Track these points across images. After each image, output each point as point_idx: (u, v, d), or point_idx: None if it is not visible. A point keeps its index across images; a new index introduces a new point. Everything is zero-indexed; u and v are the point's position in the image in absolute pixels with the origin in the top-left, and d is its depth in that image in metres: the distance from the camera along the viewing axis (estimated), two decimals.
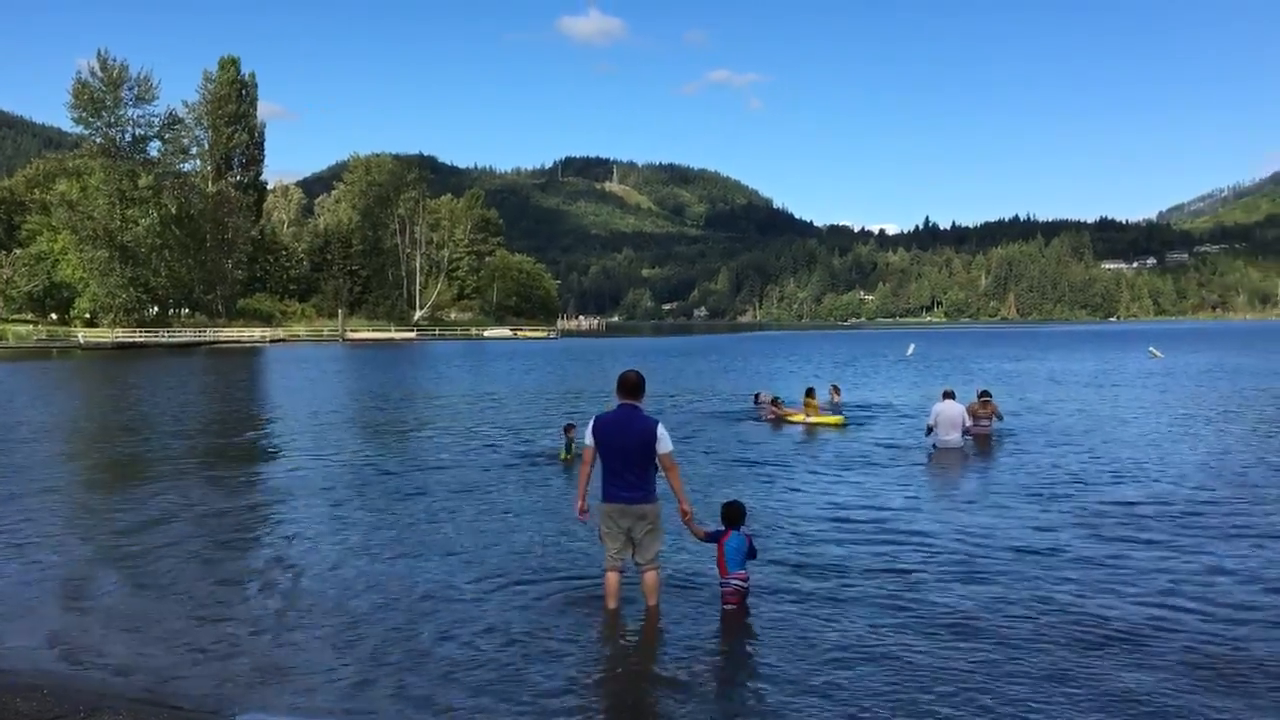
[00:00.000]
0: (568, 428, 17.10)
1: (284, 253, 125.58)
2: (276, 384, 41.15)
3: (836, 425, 21.36)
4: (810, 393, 22.92)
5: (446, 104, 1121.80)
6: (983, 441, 18.79)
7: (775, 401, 23.02)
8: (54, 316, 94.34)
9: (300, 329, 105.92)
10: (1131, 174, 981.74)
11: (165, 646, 7.55)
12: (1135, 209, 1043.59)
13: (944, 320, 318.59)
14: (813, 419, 21.70)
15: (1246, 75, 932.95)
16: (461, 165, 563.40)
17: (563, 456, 16.65)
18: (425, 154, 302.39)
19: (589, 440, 7.87)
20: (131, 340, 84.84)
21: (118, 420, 25.52)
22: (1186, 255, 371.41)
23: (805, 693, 6.46)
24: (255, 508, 13.22)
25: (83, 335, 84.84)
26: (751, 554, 8.19)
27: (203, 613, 8.40)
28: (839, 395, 24.60)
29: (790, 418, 22.06)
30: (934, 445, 17.79)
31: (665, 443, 7.74)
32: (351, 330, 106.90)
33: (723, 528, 8.18)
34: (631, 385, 7.92)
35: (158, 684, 6.79)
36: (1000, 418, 20.14)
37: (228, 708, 6.39)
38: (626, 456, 7.71)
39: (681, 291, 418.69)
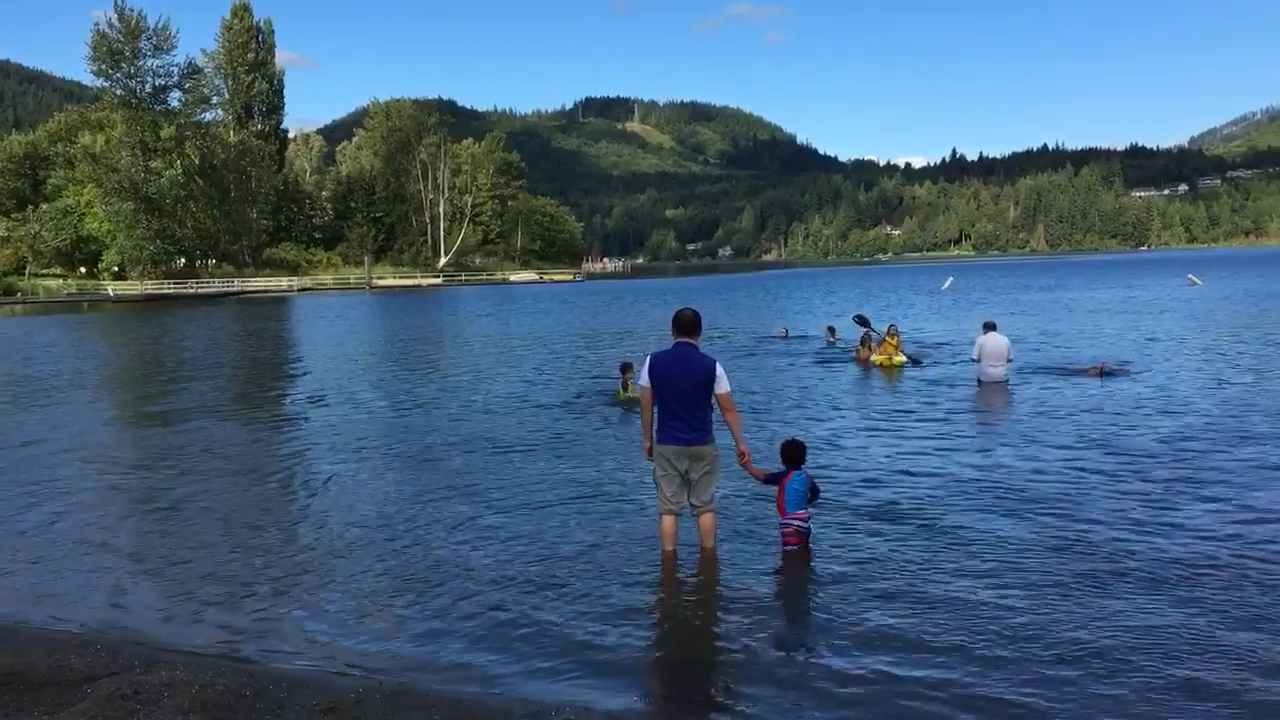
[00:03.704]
0: (624, 367, 16.71)
1: (308, 201, 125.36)
2: (310, 331, 41.18)
3: (901, 364, 20.31)
4: (891, 330, 21.37)
5: (464, 46, 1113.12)
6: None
7: (864, 342, 21.53)
8: (83, 270, 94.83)
9: (327, 277, 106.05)
10: (1162, 98, 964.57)
11: (207, 596, 7.42)
12: (1166, 135, 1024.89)
13: (972, 253, 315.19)
14: (881, 359, 20.45)
15: None
16: (481, 109, 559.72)
17: (620, 396, 16.26)
18: (444, 98, 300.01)
19: (645, 380, 7.59)
20: (161, 292, 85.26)
21: (153, 369, 25.55)
22: (1219, 181, 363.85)
23: (865, 634, 6.25)
24: (292, 453, 13.10)
25: (113, 288, 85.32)
26: (814, 494, 7.92)
27: (240, 559, 8.28)
28: (896, 339, 21.44)
29: (876, 359, 20.52)
30: (978, 380, 17.48)
31: (724, 382, 7.46)
32: (377, 278, 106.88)
33: (784, 468, 7.92)
34: (688, 323, 7.62)
35: (205, 634, 6.66)
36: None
37: (279, 656, 6.26)
38: (684, 396, 7.43)
39: (706, 231, 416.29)
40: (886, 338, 21.10)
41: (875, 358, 20.63)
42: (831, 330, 26.68)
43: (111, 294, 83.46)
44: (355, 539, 8.75)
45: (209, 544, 8.75)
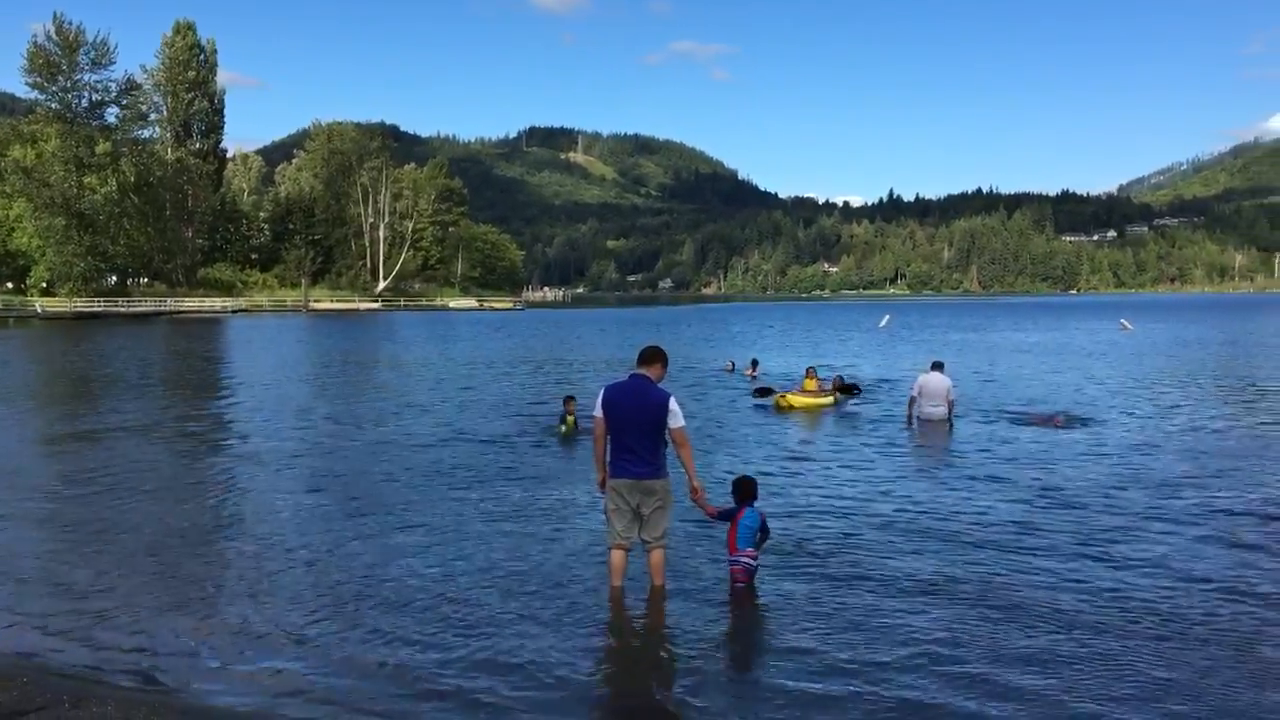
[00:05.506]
0: (568, 399, 16.53)
1: (245, 222, 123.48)
2: (243, 353, 40.42)
3: (829, 405, 20.22)
4: (810, 372, 21.54)
5: (409, 72, 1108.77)
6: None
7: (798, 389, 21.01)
8: (10, 286, 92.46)
9: (262, 299, 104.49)
10: (1092, 147, 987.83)
11: (131, 625, 7.17)
12: (1096, 182, 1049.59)
13: (907, 292, 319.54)
14: (809, 400, 20.11)
15: (1206, 51, 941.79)
16: (424, 134, 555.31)
17: (562, 430, 15.89)
18: (387, 122, 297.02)
19: (598, 412, 7.52)
20: (91, 310, 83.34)
21: (79, 387, 24.85)
22: (1146, 228, 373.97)
23: (813, 670, 6.25)
24: (217, 477, 12.81)
25: (40, 304, 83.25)
26: (764, 534, 7.89)
27: (164, 587, 8.03)
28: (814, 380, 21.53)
29: (791, 401, 19.97)
30: (916, 417, 17.58)
31: (678, 417, 7.39)
32: (315, 300, 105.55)
33: (734, 505, 7.87)
34: (646, 356, 7.61)
35: (131, 666, 6.43)
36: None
37: (209, 689, 6.07)
38: (637, 428, 7.36)
39: (646, 263, 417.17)
40: (805, 380, 21.19)
41: (794, 400, 20.08)
42: (754, 363, 28.12)
43: (39, 310, 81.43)
44: (283, 567, 8.56)
45: (132, 570, 8.49)
